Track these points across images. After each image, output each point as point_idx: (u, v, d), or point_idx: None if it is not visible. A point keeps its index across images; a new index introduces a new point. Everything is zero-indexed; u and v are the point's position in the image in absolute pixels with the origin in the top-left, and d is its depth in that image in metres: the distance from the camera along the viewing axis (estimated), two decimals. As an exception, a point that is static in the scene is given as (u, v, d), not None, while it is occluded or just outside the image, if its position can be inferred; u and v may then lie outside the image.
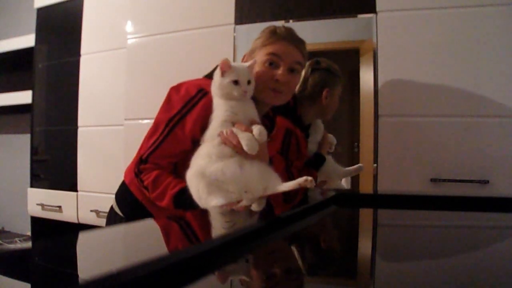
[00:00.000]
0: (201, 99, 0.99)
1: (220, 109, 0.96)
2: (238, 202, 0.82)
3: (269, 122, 1.14)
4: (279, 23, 1.47)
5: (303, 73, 1.34)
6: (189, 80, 1.07)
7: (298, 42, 1.08)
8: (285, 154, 1.25)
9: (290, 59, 1.05)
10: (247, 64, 0.99)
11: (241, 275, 0.36)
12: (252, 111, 0.99)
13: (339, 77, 1.36)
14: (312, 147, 1.35)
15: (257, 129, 0.92)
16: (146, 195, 1.01)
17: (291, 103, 1.32)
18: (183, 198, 0.91)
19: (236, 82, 0.95)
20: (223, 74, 0.96)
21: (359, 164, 1.36)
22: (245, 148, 0.89)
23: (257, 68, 1.04)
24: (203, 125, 0.98)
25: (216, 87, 0.97)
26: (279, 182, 0.92)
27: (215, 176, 0.87)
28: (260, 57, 1.05)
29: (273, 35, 1.06)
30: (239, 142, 0.90)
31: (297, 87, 1.34)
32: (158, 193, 0.95)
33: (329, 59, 1.38)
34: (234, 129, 0.92)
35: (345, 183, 1.43)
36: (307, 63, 1.35)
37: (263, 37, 1.07)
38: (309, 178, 0.86)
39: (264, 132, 0.93)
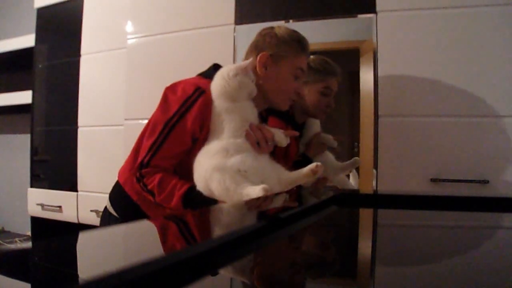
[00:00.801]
0: (199, 98, 0.98)
1: (235, 111, 0.98)
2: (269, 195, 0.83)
3: (262, 121, 1.15)
4: (279, 23, 1.47)
5: None
6: (185, 80, 1.06)
7: (309, 54, 1.15)
8: (272, 153, 1.25)
9: (305, 72, 1.14)
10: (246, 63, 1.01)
11: (242, 275, 0.36)
12: (255, 111, 1.03)
13: (328, 74, 1.33)
14: (302, 148, 1.35)
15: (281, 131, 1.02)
16: (143, 196, 1.01)
17: None
18: (192, 197, 0.91)
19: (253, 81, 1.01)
20: (246, 72, 1.00)
21: (354, 158, 1.37)
22: (278, 139, 0.98)
23: (284, 77, 1.09)
24: (202, 124, 0.98)
25: (234, 86, 0.98)
26: (286, 171, 0.96)
27: (238, 167, 0.90)
28: (289, 68, 1.09)
29: (303, 46, 1.10)
30: (272, 137, 0.98)
31: None
32: (165, 196, 0.94)
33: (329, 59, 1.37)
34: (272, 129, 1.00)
35: (353, 182, 1.43)
36: None
37: (294, 46, 1.09)
38: (319, 164, 0.91)
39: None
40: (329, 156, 1.37)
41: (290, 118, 1.33)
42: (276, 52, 1.08)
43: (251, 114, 1.01)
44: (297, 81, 1.11)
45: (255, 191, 0.83)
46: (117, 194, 1.12)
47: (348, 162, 1.37)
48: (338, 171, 1.39)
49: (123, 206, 1.12)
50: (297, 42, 1.10)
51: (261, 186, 0.83)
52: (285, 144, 1.00)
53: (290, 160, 1.29)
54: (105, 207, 1.18)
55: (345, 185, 1.40)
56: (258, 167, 0.93)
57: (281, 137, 1.00)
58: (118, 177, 1.13)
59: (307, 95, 1.32)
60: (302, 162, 1.31)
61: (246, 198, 0.83)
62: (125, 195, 1.07)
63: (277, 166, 0.99)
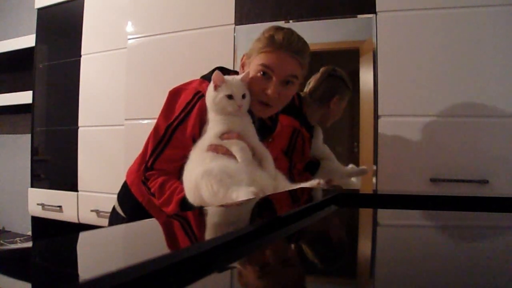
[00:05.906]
0: (198, 102, 0.99)
1: (214, 124, 0.95)
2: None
3: (270, 121, 1.14)
4: (279, 24, 1.47)
5: (318, 75, 1.36)
6: (187, 83, 1.06)
7: (296, 52, 0.99)
8: (290, 154, 1.24)
9: (284, 72, 0.98)
10: (239, 77, 0.97)
11: (241, 276, 0.36)
12: (248, 125, 0.98)
13: (350, 89, 1.39)
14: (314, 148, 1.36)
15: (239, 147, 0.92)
16: (148, 198, 1.02)
17: (297, 102, 1.32)
18: (190, 203, 0.90)
19: (230, 97, 0.92)
20: (216, 88, 0.93)
21: (362, 167, 1.35)
22: (240, 160, 0.90)
23: (250, 75, 1.00)
24: (201, 127, 0.99)
25: (209, 101, 0.96)
26: (286, 180, 0.94)
27: (222, 169, 0.86)
28: (254, 65, 1.00)
29: (271, 43, 0.98)
30: (226, 151, 0.92)
31: (309, 87, 1.36)
32: (164, 199, 0.94)
33: (329, 59, 1.39)
34: (224, 142, 0.93)
35: (356, 181, 1.42)
36: (324, 68, 1.37)
37: (262, 42, 1.00)
38: (322, 181, 0.88)
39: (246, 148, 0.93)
40: (335, 161, 1.37)
41: (303, 118, 1.33)
42: (250, 49, 1.04)
43: (237, 127, 0.95)
44: (268, 80, 0.98)
45: (242, 193, 0.77)
46: (125, 194, 1.13)
47: (356, 169, 1.35)
48: (344, 176, 1.38)
49: (130, 206, 1.13)
50: (268, 37, 0.99)
51: (250, 189, 0.78)
52: (249, 164, 0.91)
53: (307, 159, 1.31)
54: (113, 207, 1.19)
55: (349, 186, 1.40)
56: (245, 168, 0.89)
57: (243, 156, 0.90)
58: (126, 177, 1.13)
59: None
60: (309, 165, 1.32)
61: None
62: (132, 195, 1.08)
63: (276, 174, 0.95)
